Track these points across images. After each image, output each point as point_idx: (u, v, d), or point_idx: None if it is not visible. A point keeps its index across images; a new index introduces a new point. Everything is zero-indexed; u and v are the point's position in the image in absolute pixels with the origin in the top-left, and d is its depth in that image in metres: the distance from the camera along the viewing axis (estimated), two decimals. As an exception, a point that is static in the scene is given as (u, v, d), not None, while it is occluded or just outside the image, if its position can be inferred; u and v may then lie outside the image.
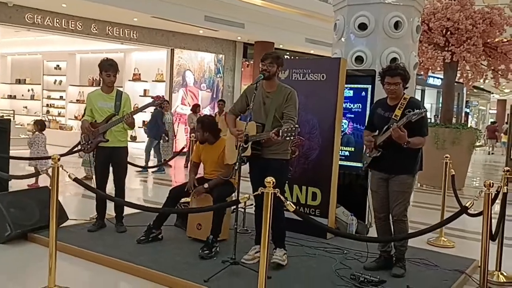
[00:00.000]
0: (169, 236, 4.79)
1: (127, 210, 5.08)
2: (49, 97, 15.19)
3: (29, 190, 5.39)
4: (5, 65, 15.77)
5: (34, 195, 5.03)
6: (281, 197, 3.00)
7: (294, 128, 3.66)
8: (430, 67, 10.37)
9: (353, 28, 6.01)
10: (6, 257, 4.33)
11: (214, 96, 14.15)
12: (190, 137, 8.79)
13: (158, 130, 9.77)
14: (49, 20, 11.03)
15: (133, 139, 12.81)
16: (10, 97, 15.54)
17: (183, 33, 13.13)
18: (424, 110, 3.83)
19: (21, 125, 13.82)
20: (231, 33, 13.27)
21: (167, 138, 9.92)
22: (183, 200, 5.02)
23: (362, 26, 5.94)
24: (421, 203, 7.81)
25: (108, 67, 4.89)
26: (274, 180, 2.97)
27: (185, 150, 10.26)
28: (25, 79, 15.49)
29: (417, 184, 9.45)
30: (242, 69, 15.08)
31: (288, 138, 3.69)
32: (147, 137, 10.11)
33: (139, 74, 13.57)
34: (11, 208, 4.63)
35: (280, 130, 3.69)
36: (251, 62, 14.98)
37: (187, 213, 4.91)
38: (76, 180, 3.69)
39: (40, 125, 7.45)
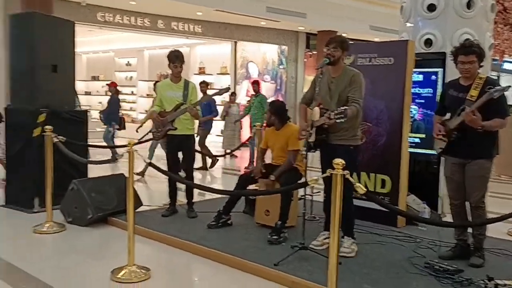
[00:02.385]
0: (238, 222, 4.89)
1: (197, 197, 5.26)
2: (121, 93, 15.95)
3: (107, 176, 5.70)
4: (80, 63, 16.75)
5: (111, 181, 5.34)
6: (350, 179, 2.95)
7: (343, 110, 3.60)
8: (506, 50, 9.75)
9: (421, 10, 5.78)
10: (89, 238, 4.64)
11: (278, 87, 14.18)
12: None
13: (113, 116, 9.41)
14: (119, 18, 11.57)
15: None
16: (86, 93, 16.51)
17: (246, 25, 13.26)
18: (508, 86, 3.60)
19: (96, 119, 14.61)
20: (293, 24, 13.22)
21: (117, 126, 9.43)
22: (251, 187, 5.11)
23: (431, 7, 5.70)
24: (499, 194, 7.39)
25: (174, 58, 5.07)
26: (343, 162, 2.92)
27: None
28: (99, 76, 16.37)
29: (494, 173, 8.95)
30: (305, 59, 14.99)
31: (338, 121, 3.63)
32: (103, 124, 9.82)
33: (204, 68, 13.90)
34: (92, 193, 4.95)
35: (331, 113, 3.65)
36: (314, 52, 14.84)
37: (255, 195, 4.97)
38: (151, 164, 3.87)
39: None
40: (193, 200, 5.23)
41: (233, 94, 10.81)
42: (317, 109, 4.00)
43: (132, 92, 15.54)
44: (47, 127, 4.89)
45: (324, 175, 3.05)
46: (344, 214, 2.99)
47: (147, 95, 14.79)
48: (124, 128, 9.61)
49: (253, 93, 9.79)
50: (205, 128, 8.95)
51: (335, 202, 2.92)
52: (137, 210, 5.02)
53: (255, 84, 9.89)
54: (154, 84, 8.70)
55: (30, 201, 5.40)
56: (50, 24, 5.67)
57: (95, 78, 16.44)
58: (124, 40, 14.49)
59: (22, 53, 5.54)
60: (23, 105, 5.54)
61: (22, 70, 5.56)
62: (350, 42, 4.27)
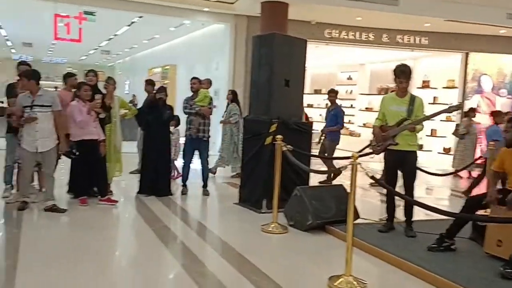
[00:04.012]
0: (462, 249, 4.51)
1: (416, 216, 5.05)
2: (340, 106, 16.42)
3: (326, 186, 5.96)
4: (305, 77, 17.85)
5: (331, 190, 5.55)
6: None
7: None
8: None
9: None
10: (308, 242, 4.92)
11: (516, 102, 12.52)
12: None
13: None
14: (344, 34, 11.95)
15: (419, 147, 12.54)
16: (308, 106, 17.53)
17: (479, 35, 12.11)
18: None
19: (317, 131, 15.37)
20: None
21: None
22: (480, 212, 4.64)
23: None
24: None
25: (400, 73, 4.96)
26: None
27: (478, 161, 9.36)
28: (321, 90, 17.20)
29: None
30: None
31: None
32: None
33: (428, 81, 13.23)
34: (312, 201, 5.23)
35: None
36: None
37: (489, 222, 4.47)
38: (373, 178, 3.89)
39: None
40: (412, 219, 5.03)
41: (473, 110, 9.94)
42: None
43: (351, 105, 15.82)
44: (277, 136, 5.38)
45: None
46: None
47: (366, 108, 14.86)
48: None
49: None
50: (333, 140, 8.48)
51: None
52: (354, 222, 5.09)
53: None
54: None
55: (259, 202, 6.01)
56: (286, 43, 6.25)
57: (317, 92, 17.32)
58: (347, 54, 14.88)
59: (262, 69, 6.24)
60: (259, 115, 6.23)
61: (260, 84, 6.26)
62: None
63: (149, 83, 8.24)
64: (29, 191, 5.67)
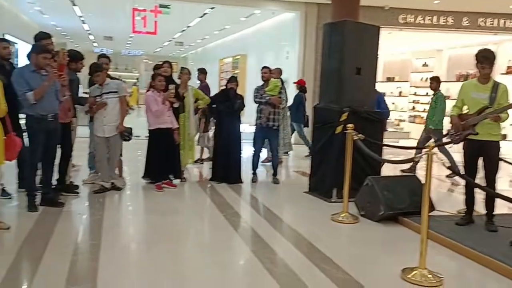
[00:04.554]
0: (549, 245, 4.19)
1: (498, 210, 4.77)
2: (415, 94, 15.78)
3: (399, 176, 5.79)
4: (378, 65, 17.32)
5: (404, 181, 5.38)
6: None
7: None
8: None
9: None
10: (380, 233, 4.83)
11: None
12: None
13: (300, 114, 8.94)
14: (420, 19, 11.44)
15: (503, 137, 11.77)
16: (380, 94, 17.04)
17: None
18: None
19: (389, 119, 14.92)
20: None
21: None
22: None
23: None
24: None
25: (483, 59, 4.67)
26: None
27: None
28: (394, 77, 16.61)
29: None
30: None
31: None
32: (291, 122, 9.14)
33: (513, 67, 12.33)
34: (384, 191, 5.11)
35: None
36: None
37: None
38: (450, 168, 3.72)
39: None
40: (494, 212, 4.75)
41: None
42: None
43: (427, 93, 15.13)
44: (348, 125, 5.29)
45: None
46: None
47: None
48: (307, 126, 9.29)
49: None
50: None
51: None
52: (429, 214, 4.91)
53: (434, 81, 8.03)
54: None
55: (329, 191, 5.97)
56: (358, 30, 6.10)
57: (390, 79, 16.75)
58: (422, 40, 14.23)
59: (333, 57, 6.14)
60: (330, 104, 6.15)
61: (331, 73, 6.17)
62: None
63: (202, 71, 8.45)
64: (108, 176, 6.04)
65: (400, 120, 16.13)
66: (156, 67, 6.86)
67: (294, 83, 9.57)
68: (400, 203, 5.08)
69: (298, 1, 11.23)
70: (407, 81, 15.96)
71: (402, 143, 12.56)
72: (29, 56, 5.02)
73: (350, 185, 5.21)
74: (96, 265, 3.65)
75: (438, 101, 7.82)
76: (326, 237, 4.68)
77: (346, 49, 5.95)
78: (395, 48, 15.99)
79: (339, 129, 5.81)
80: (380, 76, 17.25)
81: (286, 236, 4.67)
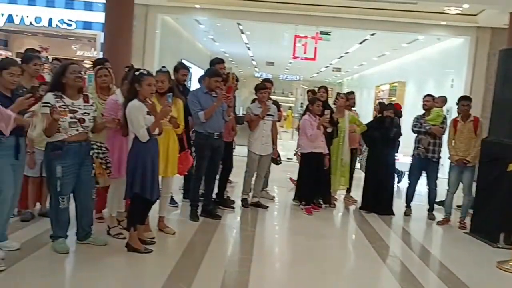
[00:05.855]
0: None
1: None
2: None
3: None
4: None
5: None
6: None
7: None
8: None
9: None
10: None
11: None
12: None
13: None
14: None
15: None
16: None
17: None
18: None
19: None
20: None
21: None
22: None
23: None
24: None
25: None
26: None
27: None
28: None
29: None
30: None
31: None
32: None
33: None
34: None
35: None
36: None
37: None
38: None
39: None
40: None
41: None
42: None
43: None
44: (524, 162, 4.70)
45: None
46: None
47: None
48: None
49: None
50: None
51: None
52: None
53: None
54: None
55: (494, 234, 5.34)
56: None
57: None
58: None
59: (508, 86, 5.55)
60: (502, 138, 5.55)
61: (505, 103, 5.58)
62: None
63: (312, 93, 7.89)
64: (260, 191, 6.34)
65: None
66: (312, 92, 6.96)
67: None
68: None
69: (469, 26, 10.45)
70: None
71: None
72: (200, 79, 5.54)
73: (522, 230, 4.61)
74: (247, 278, 3.82)
75: None
76: (490, 286, 4.19)
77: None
78: None
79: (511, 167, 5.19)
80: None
81: (441, 277, 4.29)
